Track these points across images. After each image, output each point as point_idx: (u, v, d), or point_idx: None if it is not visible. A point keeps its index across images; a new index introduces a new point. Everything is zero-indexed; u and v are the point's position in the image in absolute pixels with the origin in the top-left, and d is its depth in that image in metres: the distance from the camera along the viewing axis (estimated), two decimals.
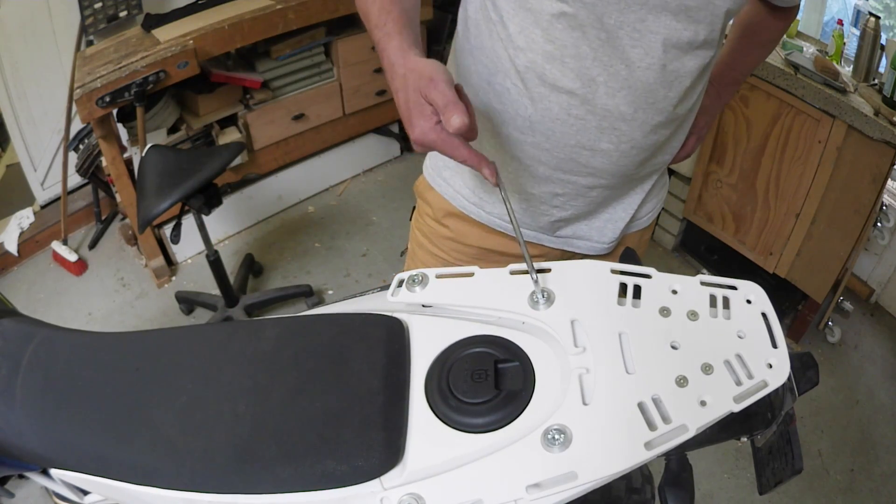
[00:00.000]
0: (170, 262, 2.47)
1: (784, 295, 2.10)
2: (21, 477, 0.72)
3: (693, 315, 0.61)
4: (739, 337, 0.59)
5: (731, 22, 0.85)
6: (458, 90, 0.67)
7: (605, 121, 0.79)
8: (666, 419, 0.54)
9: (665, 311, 0.62)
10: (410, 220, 1.08)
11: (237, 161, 2.38)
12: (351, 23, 2.45)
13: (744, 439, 0.67)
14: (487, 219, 0.95)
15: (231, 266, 2.40)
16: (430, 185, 1.00)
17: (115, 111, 2.12)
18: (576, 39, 0.74)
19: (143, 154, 1.85)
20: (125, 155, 2.20)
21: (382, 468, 0.56)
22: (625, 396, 0.56)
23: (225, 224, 2.58)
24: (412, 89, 0.66)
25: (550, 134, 0.81)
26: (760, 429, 0.65)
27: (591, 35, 0.74)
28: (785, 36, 1.99)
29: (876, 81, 1.79)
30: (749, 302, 0.62)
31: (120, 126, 2.22)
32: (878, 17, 1.74)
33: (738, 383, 0.56)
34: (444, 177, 0.96)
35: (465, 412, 0.58)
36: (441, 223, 0.99)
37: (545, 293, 0.64)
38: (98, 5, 2.16)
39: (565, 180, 0.86)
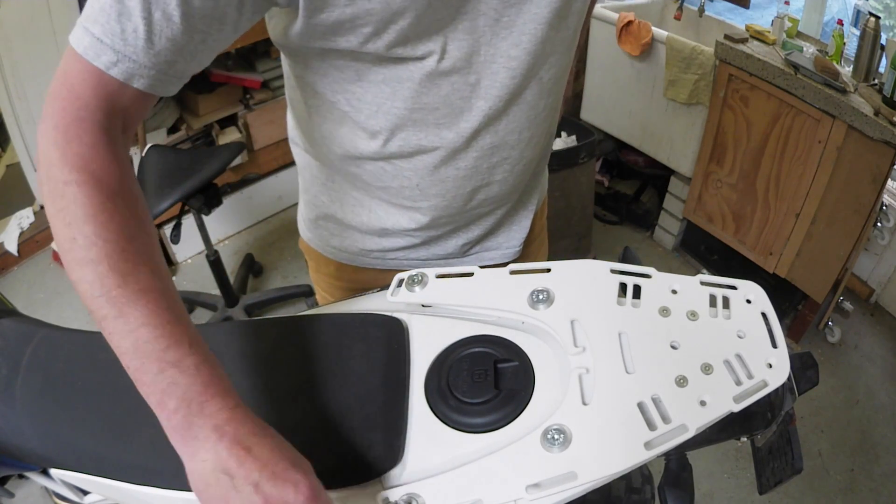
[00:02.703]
0: (170, 261, 2.47)
1: (784, 295, 2.10)
2: (21, 477, 0.72)
3: (693, 315, 0.61)
4: (739, 337, 0.59)
5: None
6: None
7: (494, 157, 0.73)
8: (666, 419, 0.54)
9: (665, 311, 0.62)
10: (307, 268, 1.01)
11: (237, 161, 2.38)
12: None
13: (744, 439, 0.67)
14: (391, 265, 0.88)
15: (231, 266, 2.40)
16: (317, 251, 0.91)
17: None
18: (446, 95, 0.65)
19: (143, 154, 1.85)
20: None
21: (382, 468, 0.56)
22: (624, 396, 0.56)
23: (225, 224, 2.58)
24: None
25: (444, 193, 0.75)
26: (760, 429, 0.65)
27: (460, 83, 0.65)
28: (785, 35, 2.00)
29: (876, 81, 1.79)
30: (749, 302, 0.62)
31: None
32: (878, 17, 1.74)
33: (738, 383, 0.56)
34: (334, 245, 0.88)
35: (464, 412, 0.58)
36: (335, 278, 0.93)
37: (544, 293, 0.64)
38: None
39: (467, 216, 0.81)
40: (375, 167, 0.74)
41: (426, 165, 0.72)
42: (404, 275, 0.70)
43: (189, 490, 0.58)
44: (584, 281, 0.66)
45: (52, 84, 0.53)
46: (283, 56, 0.72)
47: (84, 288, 0.49)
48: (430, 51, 0.61)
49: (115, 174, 0.51)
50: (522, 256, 0.92)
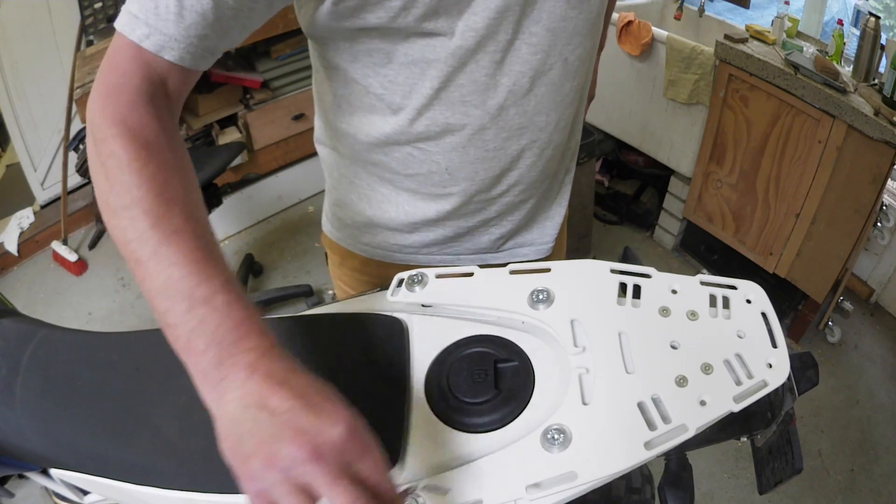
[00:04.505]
0: None
1: (784, 295, 2.10)
2: (21, 477, 0.72)
3: (693, 315, 0.61)
4: (739, 337, 0.59)
5: None
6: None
7: (522, 139, 0.74)
8: (666, 419, 0.54)
9: (665, 311, 0.62)
10: (327, 264, 1.00)
11: (237, 161, 2.38)
12: None
13: (744, 439, 0.67)
14: (423, 262, 0.88)
15: (231, 266, 2.40)
16: (345, 248, 0.91)
17: None
18: (471, 71, 0.66)
19: None
20: None
21: None
22: (624, 396, 0.56)
23: (225, 224, 2.58)
24: (306, 441, 0.40)
25: (473, 175, 0.76)
26: (760, 428, 0.65)
27: (485, 61, 0.66)
28: (785, 35, 2.00)
29: (876, 81, 1.79)
30: (749, 302, 0.62)
31: None
32: (878, 17, 1.74)
33: (738, 383, 0.56)
34: (365, 241, 0.87)
35: (464, 412, 0.58)
36: (360, 272, 0.92)
37: (544, 293, 0.64)
38: (98, 5, 2.17)
39: (497, 205, 0.82)
40: (403, 153, 0.74)
41: (454, 146, 0.72)
42: (404, 274, 0.70)
43: (189, 490, 0.58)
44: (585, 281, 0.66)
45: (102, 63, 0.57)
46: (311, 49, 0.73)
47: (118, 235, 0.49)
48: (457, 25, 0.63)
49: (151, 128, 0.53)
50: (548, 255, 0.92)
